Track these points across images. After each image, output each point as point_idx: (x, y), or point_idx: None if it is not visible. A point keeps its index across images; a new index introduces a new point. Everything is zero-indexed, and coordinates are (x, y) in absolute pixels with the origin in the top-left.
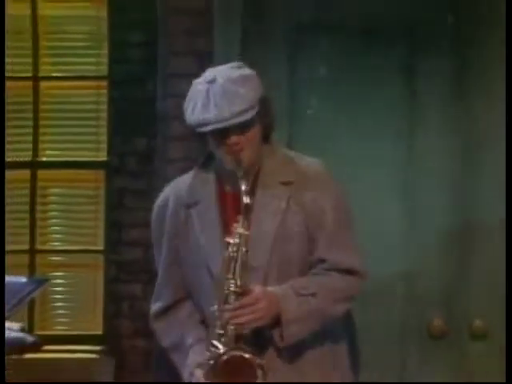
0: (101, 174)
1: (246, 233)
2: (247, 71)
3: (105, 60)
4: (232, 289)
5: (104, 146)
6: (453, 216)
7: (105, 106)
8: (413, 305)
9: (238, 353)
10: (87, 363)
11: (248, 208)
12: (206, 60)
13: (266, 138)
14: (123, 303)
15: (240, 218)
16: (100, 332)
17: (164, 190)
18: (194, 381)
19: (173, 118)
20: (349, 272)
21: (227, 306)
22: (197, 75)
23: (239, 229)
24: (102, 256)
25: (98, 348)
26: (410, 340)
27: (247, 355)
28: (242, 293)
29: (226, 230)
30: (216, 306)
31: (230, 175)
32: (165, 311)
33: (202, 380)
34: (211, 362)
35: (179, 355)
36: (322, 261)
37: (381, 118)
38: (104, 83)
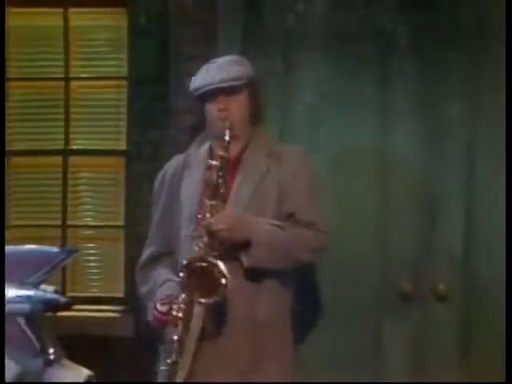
0: (121, 160)
1: (227, 156)
2: (240, 58)
3: (124, 63)
4: (206, 210)
5: (124, 136)
6: (420, 191)
7: (124, 103)
8: (385, 271)
9: (203, 264)
10: (110, 321)
11: (229, 143)
12: None
13: (256, 118)
14: None
15: (223, 143)
16: (121, 295)
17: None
18: (159, 307)
19: (183, 112)
20: (312, 225)
21: (203, 223)
22: None
23: (220, 152)
24: (122, 230)
25: (119, 308)
26: (383, 302)
27: (211, 265)
28: (216, 211)
29: (206, 191)
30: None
31: (218, 143)
32: (149, 261)
33: (166, 306)
34: (181, 273)
35: (151, 299)
36: (292, 214)
37: (359, 113)
38: (124, 83)
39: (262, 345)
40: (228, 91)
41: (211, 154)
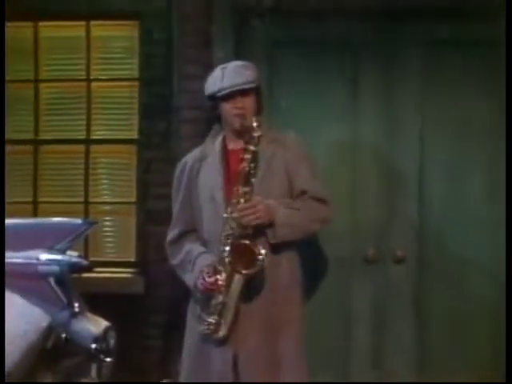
0: (133, 148)
1: (257, 149)
2: (249, 63)
3: (136, 67)
4: (240, 196)
5: (135, 128)
6: (382, 172)
7: (136, 100)
8: (353, 238)
9: (244, 242)
10: (124, 281)
11: (258, 139)
12: (208, 67)
13: (259, 112)
14: (149, 239)
15: (253, 140)
16: (133, 259)
17: (185, 156)
18: (208, 279)
19: (185, 107)
20: (322, 201)
21: (238, 207)
22: (202, 77)
23: (252, 147)
24: (134, 206)
25: (131, 270)
26: (351, 264)
27: (251, 244)
28: (246, 200)
29: (226, 172)
30: (227, 212)
31: (232, 137)
32: (177, 239)
33: (213, 277)
34: (227, 247)
35: (184, 267)
36: (304, 192)
37: (332, 111)
38: (136, 83)
39: (282, 303)
40: (244, 92)
41: (224, 145)
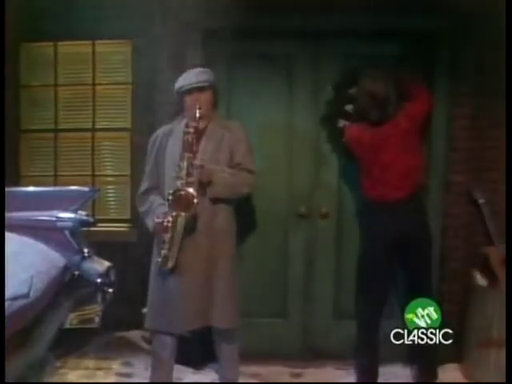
0: (128, 134)
1: (197, 125)
2: (206, 69)
3: (129, 74)
4: (184, 158)
5: (129, 119)
6: (312, 150)
7: (129, 98)
8: (290, 199)
9: (182, 191)
10: (121, 232)
11: (199, 119)
12: (183, 73)
13: (214, 106)
14: None
15: (195, 119)
16: (129, 217)
17: (157, 131)
18: (156, 220)
19: (166, 103)
20: (250, 171)
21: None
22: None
23: (194, 123)
24: (129, 178)
25: (127, 225)
26: (288, 218)
27: (188, 193)
28: (189, 162)
29: (184, 147)
30: (176, 172)
31: (192, 118)
32: (145, 192)
33: (160, 219)
34: (170, 197)
35: (148, 215)
36: (239, 164)
37: (274, 104)
38: (129, 86)
39: (218, 243)
40: (199, 89)
41: (187, 127)
